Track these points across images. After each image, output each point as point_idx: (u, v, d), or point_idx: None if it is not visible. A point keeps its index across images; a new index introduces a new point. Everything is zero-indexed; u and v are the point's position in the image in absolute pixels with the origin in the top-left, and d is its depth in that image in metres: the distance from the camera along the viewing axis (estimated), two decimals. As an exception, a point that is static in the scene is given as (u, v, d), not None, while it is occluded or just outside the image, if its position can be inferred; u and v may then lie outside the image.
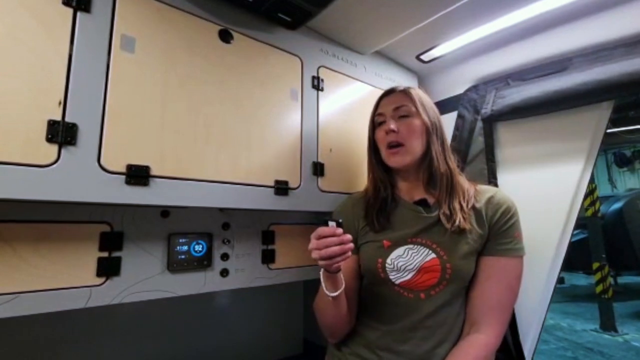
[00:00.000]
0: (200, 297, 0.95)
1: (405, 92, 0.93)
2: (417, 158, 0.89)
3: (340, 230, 0.71)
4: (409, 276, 0.84)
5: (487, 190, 0.90)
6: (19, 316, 0.68)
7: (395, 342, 0.82)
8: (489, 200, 0.87)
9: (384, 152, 0.93)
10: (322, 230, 0.71)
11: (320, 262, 0.72)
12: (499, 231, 0.84)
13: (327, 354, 0.96)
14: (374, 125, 0.96)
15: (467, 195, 0.88)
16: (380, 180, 0.95)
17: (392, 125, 0.89)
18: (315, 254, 0.71)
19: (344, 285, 0.79)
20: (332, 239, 0.70)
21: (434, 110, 0.94)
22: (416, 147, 0.89)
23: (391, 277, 0.85)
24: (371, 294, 0.89)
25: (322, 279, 0.79)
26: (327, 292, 0.77)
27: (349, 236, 0.72)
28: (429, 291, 0.83)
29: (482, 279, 0.84)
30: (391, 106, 0.92)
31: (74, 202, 0.66)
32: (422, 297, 0.83)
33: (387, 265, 0.85)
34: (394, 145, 0.89)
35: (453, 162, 0.92)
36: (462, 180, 0.91)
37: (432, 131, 0.90)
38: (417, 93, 0.93)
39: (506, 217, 0.84)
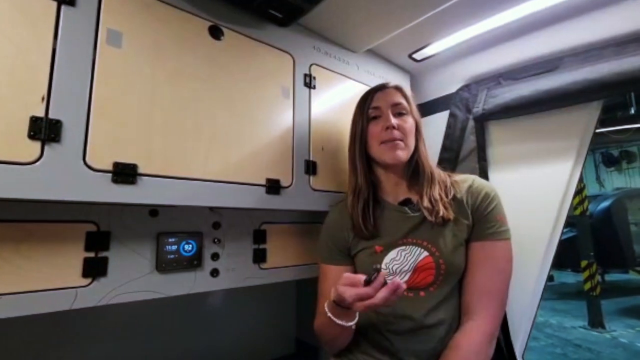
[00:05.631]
0: (191, 297, 0.93)
1: (399, 89, 0.94)
2: (410, 155, 0.90)
3: (381, 279, 0.66)
4: (406, 277, 0.84)
5: (465, 179, 0.91)
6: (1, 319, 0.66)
7: (402, 341, 0.82)
8: (469, 188, 0.88)
9: (376, 147, 0.90)
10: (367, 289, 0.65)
11: (361, 308, 0.66)
12: (481, 216, 0.84)
13: (331, 355, 0.95)
14: (367, 119, 0.93)
15: (445, 185, 0.89)
16: (363, 179, 0.92)
17: (395, 121, 0.88)
18: (361, 306, 0.65)
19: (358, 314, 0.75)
20: (385, 293, 0.64)
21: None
22: (412, 144, 0.90)
23: (389, 281, 0.84)
24: None
25: (333, 312, 0.73)
26: (342, 323, 0.73)
27: (398, 282, 0.65)
28: (427, 288, 0.83)
29: (470, 266, 0.84)
30: (389, 102, 0.91)
31: (58, 200, 0.64)
32: (421, 295, 0.83)
33: (382, 270, 0.84)
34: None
35: (429, 157, 0.94)
36: (438, 172, 0.93)
37: (420, 129, 0.93)
38: (408, 91, 0.96)
39: (486, 202, 0.85)
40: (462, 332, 0.80)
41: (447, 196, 0.86)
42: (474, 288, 0.83)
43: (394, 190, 0.93)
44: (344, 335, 0.82)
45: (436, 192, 0.86)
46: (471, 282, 0.83)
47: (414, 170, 0.91)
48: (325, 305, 0.76)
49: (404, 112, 0.91)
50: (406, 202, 0.90)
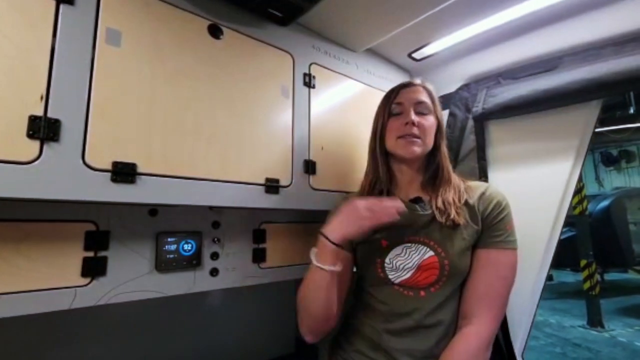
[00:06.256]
0: (190, 297, 0.93)
1: (425, 88, 0.95)
2: (426, 153, 0.91)
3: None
4: (408, 275, 0.84)
5: (478, 186, 0.91)
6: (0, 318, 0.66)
7: (398, 340, 0.82)
8: (481, 196, 0.88)
9: (393, 141, 0.91)
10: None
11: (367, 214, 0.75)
12: (490, 224, 0.84)
13: (328, 353, 0.95)
14: (389, 113, 0.94)
15: (459, 190, 0.89)
16: (380, 171, 0.93)
17: (415, 118, 0.88)
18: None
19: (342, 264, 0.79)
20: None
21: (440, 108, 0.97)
22: (429, 143, 0.91)
23: (390, 276, 0.85)
24: (371, 293, 0.89)
25: (317, 255, 0.77)
26: (326, 267, 0.75)
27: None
28: (428, 288, 0.83)
29: (473, 272, 0.84)
30: (413, 99, 0.91)
31: (57, 200, 0.64)
32: (422, 295, 0.83)
33: (386, 264, 0.85)
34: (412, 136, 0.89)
35: (449, 159, 0.94)
36: (454, 177, 0.93)
37: (442, 130, 0.94)
38: (433, 89, 0.96)
39: (497, 211, 0.85)
40: (460, 336, 0.80)
41: (459, 201, 0.86)
42: (474, 292, 0.83)
43: (406, 187, 0.94)
44: (325, 293, 0.78)
45: (450, 195, 0.86)
46: (472, 286, 0.83)
47: (433, 170, 0.91)
48: (312, 251, 0.78)
49: (426, 111, 0.91)
50: (417, 200, 0.90)
